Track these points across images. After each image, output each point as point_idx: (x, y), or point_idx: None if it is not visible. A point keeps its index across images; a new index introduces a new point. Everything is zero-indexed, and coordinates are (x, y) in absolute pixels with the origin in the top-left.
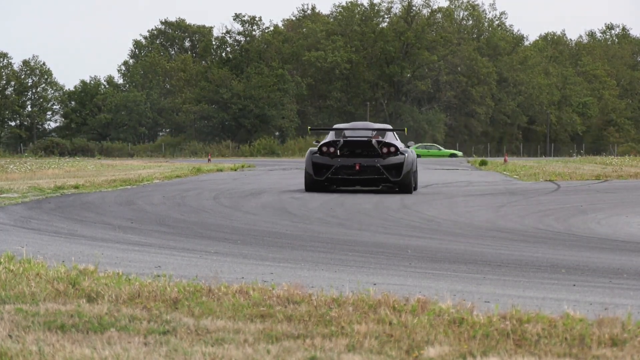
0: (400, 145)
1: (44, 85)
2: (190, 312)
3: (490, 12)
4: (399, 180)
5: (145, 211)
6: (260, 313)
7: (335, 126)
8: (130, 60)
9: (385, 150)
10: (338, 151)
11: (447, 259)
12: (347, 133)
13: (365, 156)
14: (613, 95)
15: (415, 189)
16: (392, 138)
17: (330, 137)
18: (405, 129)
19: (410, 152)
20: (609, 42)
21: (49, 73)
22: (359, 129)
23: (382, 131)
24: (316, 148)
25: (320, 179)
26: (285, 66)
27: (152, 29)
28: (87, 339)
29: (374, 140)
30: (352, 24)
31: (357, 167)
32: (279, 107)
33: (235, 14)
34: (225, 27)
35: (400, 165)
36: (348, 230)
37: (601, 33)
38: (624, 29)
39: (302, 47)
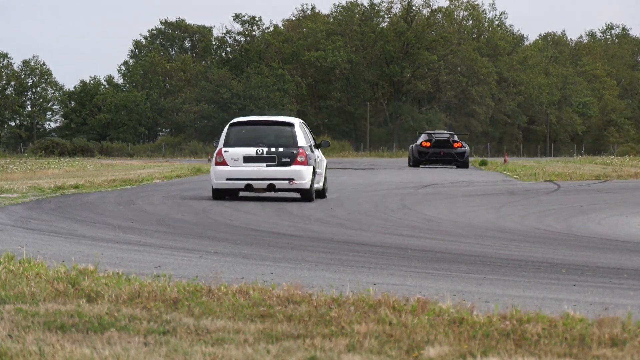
0: (463, 142)
1: (44, 85)
2: (190, 312)
3: (490, 12)
4: (463, 161)
5: (145, 211)
6: (260, 313)
7: (427, 131)
8: (130, 60)
9: (455, 145)
10: (431, 144)
11: (447, 259)
12: (435, 135)
13: (445, 147)
14: (613, 95)
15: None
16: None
17: (423, 137)
18: (468, 134)
19: (467, 146)
20: (609, 42)
21: (49, 73)
22: (441, 132)
23: (453, 134)
24: (419, 142)
25: (421, 159)
26: (285, 66)
27: (152, 29)
28: (87, 339)
29: (450, 139)
30: (352, 24)
31: (442, 154)
32: (279, 107)
33: (235, 14)
34: (225, 27)
35: (464, 153)
36: (348, 230)
37: (601, 33)
38: (624, 29)
39: (302, 47)
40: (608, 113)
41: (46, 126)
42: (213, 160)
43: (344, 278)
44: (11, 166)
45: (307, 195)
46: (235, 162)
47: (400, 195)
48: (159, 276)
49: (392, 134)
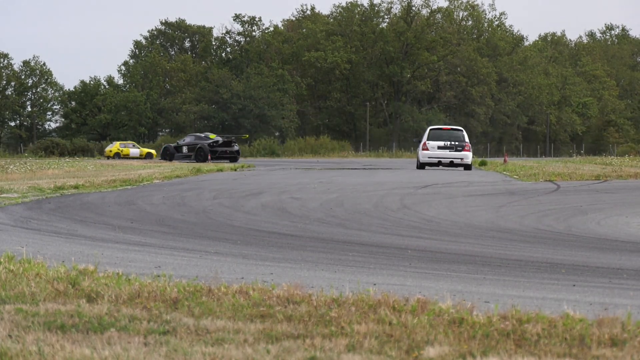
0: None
1: (44, 85)
2: (190, 312)
3: (489, 13)
4: (469, 164)
5: (145, 211)
6: (260, 313)
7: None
8: (131, 61)
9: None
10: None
11: (447, 259)
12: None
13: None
14: (613, 95)
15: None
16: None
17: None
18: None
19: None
20: (609, 43)
21: (49, 73)
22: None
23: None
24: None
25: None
26: (285, 66)
27: (152, 29)
28: (87, 339)
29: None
30: (352, 24)
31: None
32: (279, 107)
33: (235, 14)
34: (225, 27)
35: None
36: (348, 230)
37: (601, 33)
38: (623, 29)
39: (302, 48)
40: (608, 113)
41: (46, 126)
42: (420, 146)
43: (344, 278)
44: (11, 166)
45: (469, 167)
46: (433, 149)
47: (400, 196)
48: (159, 276)
49: (392, 134)
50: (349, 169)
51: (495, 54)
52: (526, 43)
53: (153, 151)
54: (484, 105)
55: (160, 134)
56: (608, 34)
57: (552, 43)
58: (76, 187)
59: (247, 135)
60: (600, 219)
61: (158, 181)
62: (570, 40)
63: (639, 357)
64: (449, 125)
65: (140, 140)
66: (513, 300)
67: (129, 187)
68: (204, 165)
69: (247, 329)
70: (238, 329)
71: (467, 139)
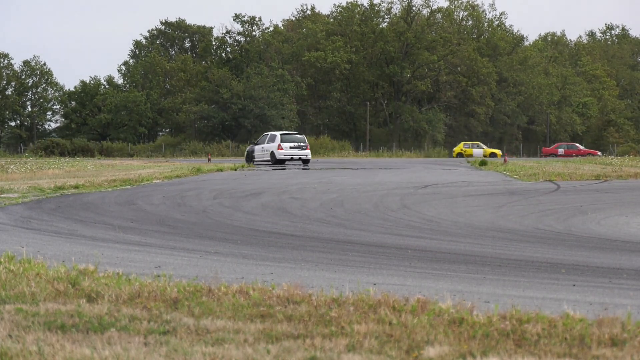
0: None
1: (44, 85)
2: (190, 312)
3: (490, 13)
4: (309, 159)
5: (146, 211)
6: (260, 313)
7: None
8: (131, 61)
9: None
10: None
11: (447, 259)
12: None
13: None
14: (613, 95)
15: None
16: None
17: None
18: None
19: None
20: (609, 42)
21: (49, 73)
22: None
23: None
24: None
25: None
26: (285, 66)
27: (152, 29)
28: (87, 339)
29: None
30: (352, 24)
31: None
32: (279, 107)
33: (235, 14)
34: (225, 27)
35: None
36: (348, 230)
37: (601, 33)
38: (623, 29)
39: (302, 48)
40: (608, 113)
41: (46, 126)
42: (277, 147)
43: (344, 278)
44: (11, 166)
45: (308, 162)
46: (286, 149)
47: (400, 196)
48: (159, 276)
49: (392, 134)
50: (349, 169)
51: (495, 54)
52: (526, 43)
53: (498, 151)
54: (484, 105)
55: (160, 134)
56: (608, 34)
57: (552, 43)
58: (76, 187)
59: None
60: (600, 219)
61: (158, 181)
62: (570, 40)
63: (639, 357)
64: (294, 131)
65: (140, 140)
66: (513, 300)
67: (129, 187)
68: (204, 165)
69: (247, 329)
70: (238, 329)
71: (306, 141)
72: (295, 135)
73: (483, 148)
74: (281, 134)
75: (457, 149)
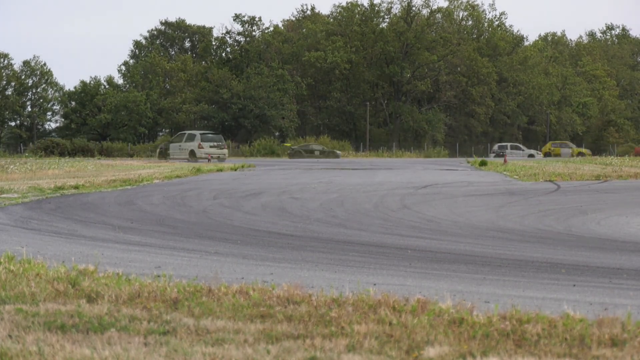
0: None
1: (44, 85)
2: (190, 312)
3: (490, 13)
4: (226, 157)
5: (145, 211)
6: (260, 313)
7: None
8: (131, 61)
9: None
10: None
11: (447, 259)
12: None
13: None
14: (613, 95)
15: None
16: None
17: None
18: None
19: None
20: (609, 43)
21: (49, 73)
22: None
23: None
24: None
25: None
26: (285, 66)
27: (152, 29)
28: (87, 339)
29: None
30: (352, 24)
31: None
32: (279, 107)
33: (235, 14)
34: (225, 27)
35: None
36: (348, 230)
37: (601, 33)
38: (624, 29)
39: (302, 48)
40: (608, 113)
41: (46, 126)
42: (197, 145)
43: (344, 278)
44: (11, 166)
45: (224, 159)
46: (207, 147)
47: (400, 196)
48: (159, 276)
49: (392, 134)
50: (349, 169)
51: (495, 54)
52: (526, 43)
53: (586, 150)
54: (484, 105)
55: (160, 134)
56: (608, 34)
57: (552, 43)
58: (76, 187)
59: (289, 144)
60: (600, 219)
61: (158, 181)
62: (571, 40)
63: (639, 357)
64: (214, 132)
65: (140, 140)
66: (513, 300)
67: (129, 187)
68: (204, 165)
69: (247, 329)
70: (238, 329)
71: (224, 141)
72: (214, 135)
73: (571, 147)
74: (201, 134)
75: (545, 149)
